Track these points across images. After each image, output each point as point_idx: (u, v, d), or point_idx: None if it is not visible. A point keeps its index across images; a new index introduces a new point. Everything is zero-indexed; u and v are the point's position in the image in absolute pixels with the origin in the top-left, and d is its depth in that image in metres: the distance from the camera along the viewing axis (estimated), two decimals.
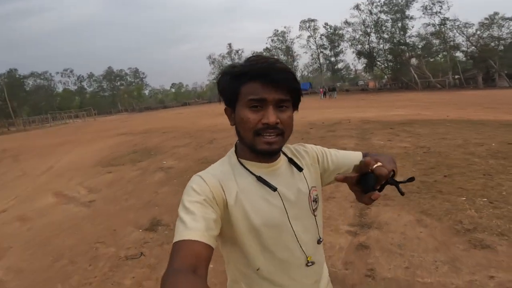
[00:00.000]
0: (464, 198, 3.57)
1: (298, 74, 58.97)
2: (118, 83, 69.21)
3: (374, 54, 43.39)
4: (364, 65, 45.61)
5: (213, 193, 0.72)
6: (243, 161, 0.79)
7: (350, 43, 45.33)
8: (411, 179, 0.66)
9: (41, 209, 4.87)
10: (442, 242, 2.69)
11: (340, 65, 51.99)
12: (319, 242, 0.85)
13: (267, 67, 0.72)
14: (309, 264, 0.80)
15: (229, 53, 58.82)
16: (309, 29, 50.53)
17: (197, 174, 0.77)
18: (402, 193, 0.68)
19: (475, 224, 2.95)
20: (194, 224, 0.64)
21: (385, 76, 47.74)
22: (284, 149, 0.85)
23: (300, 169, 0.84)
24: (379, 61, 44.43)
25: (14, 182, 7.13)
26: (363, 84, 53.62)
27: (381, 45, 42.83)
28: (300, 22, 50.18)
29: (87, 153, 10.17)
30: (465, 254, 2.47)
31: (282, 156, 0.84)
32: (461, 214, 3.18)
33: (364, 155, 0.90)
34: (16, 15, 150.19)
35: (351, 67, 54.42)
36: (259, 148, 0.74)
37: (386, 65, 44.52)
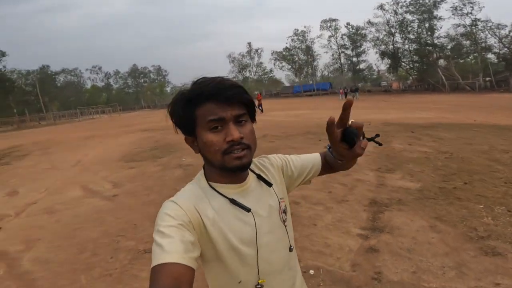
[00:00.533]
0: (482, 206, 3.51)
1: (318, 74, 58.15)
2: (142, 80, 71.29)
3: (399, 54, 42.19)
4: (388, 65, 44.43)
5: (189, 217, 0.71)
6: (213, 184, 0.79)
7: (373, 43, 44.37)
8: (377, 135, 0.74)
9: (69, 201, 5.13)
10: (453, 248, 2.68)
11: (362, 66, 50.86)
12: (290, 249, 0.87)
13: (218, 86, 0.72)
14: (257, 286, 0.79)
15: (249, 52, 59.02)
16: (330, 28, 49.67)
17: (169, 199, 0.76)
18: (380, 144, 0.76)
19: (490, 231, 2.91)
20: (172, 247, 0.63)
21: (410, 77, 46.33)
22: (251, 165, 0.84)
23: (269, 184, 0.85)
24: (404, 61, 43.17)
25: (43, 175, 7.53)
26: (386, 85, 52.02)
27: (407, 46, 41.64)
28: (321, 22, 49.38)
29: (112, 148, 10.60)
30: (474, 260, 2.46)
31: (250, 174, 0.85)
32: (477, 221, 3.14)
33: (323, 156, 0.96)
34: (45, 12, 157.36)
35: (374, 67, 53.25)
36: (230, 166, 0.73)
37: (411, 66, 43.19)
